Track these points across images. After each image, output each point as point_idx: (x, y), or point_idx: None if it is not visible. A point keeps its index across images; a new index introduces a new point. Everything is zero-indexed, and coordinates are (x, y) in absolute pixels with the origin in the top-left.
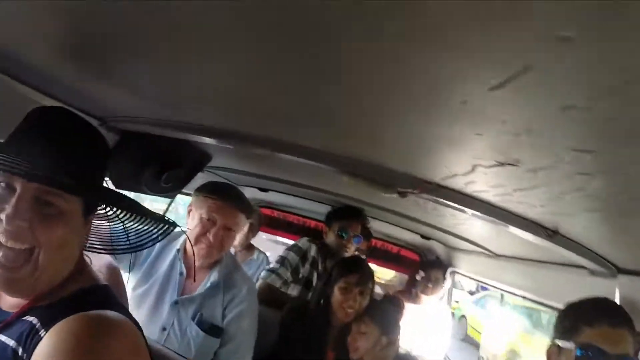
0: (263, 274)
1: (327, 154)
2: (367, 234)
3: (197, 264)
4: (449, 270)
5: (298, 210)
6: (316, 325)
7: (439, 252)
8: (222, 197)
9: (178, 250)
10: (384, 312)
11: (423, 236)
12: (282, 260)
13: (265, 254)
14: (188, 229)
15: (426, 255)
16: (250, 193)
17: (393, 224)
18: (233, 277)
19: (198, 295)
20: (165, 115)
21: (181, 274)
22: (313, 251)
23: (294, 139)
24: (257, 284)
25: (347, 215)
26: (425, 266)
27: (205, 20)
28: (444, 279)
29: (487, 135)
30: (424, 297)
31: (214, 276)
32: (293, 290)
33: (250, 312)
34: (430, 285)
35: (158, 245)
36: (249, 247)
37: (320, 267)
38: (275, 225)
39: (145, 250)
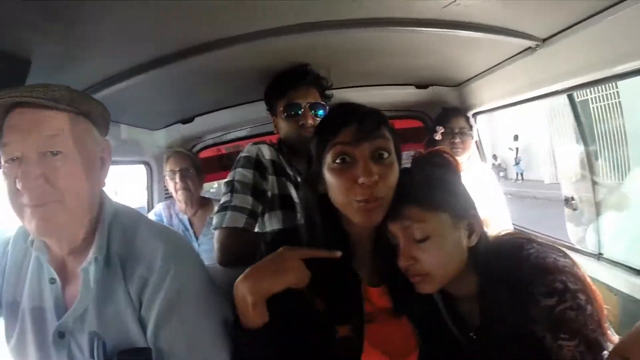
0: (214, 220)
1: None
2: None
3: (57, 249)
4: (470, 114)
5: (250, 130)
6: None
7: (448, 100)
8: (16, 90)
9: (32, 242)
10: (437, 179)
11: (419, 85)
12: (230, 186)
13: None
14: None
15: (429, 115)
16: (172, 134)
17: (369, 85)
18: (134, 243)
19: (81, 306)
20: None
21: (52, 280)
22: (267, 153)
23: None
24: (214, 240)
25: (289, 80)
26: (440, 121)
27: None
28: (470, 127)
29: None
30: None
31: (91, 257)
32: (272, 222)
33: (189, 291)
34: (457, 139)
35: (11, 258)
36: (202, 203)
37: (291, 173)
38: (229, 164)
39: None
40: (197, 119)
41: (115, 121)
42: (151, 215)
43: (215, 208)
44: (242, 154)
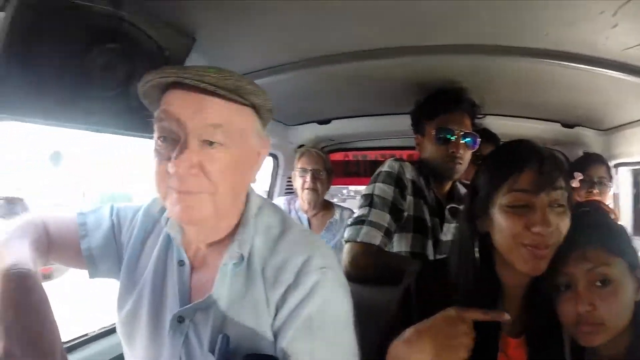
0: (347, 232)
1: None
2: (487, 135)
3: (193, 237)
4: (612, 164)
5: (382, 141)
6: (472, 296)
7: (591, 145)
8: (187, 70)
9: (166, 220)
10: (616, 224)
11: (565, 124)
12: (369, 200)
13: (351, 210)
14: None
15: (566, 157)
16: (307, 132)
17: (512, 116)
18: (279, 245)
19: (212, 298)
20: None
21: (181, 263)
22: (409, 172)
23: None
24: (344, 252)
25: (445, 102)
26: (578, 166)
27: None
28: (610, 177)
29: None
30: None
31: (232, 252)
32: (401, 243)
33: (332, 308)
34: (595, 190)
35: (139, 227)
36: (324, 206)
37: (429, 196)
38: (354, 171)
39: (121, 239)
40: (334, 122)
41: None
42: None
43: (336, 212)
44: (383, 169)
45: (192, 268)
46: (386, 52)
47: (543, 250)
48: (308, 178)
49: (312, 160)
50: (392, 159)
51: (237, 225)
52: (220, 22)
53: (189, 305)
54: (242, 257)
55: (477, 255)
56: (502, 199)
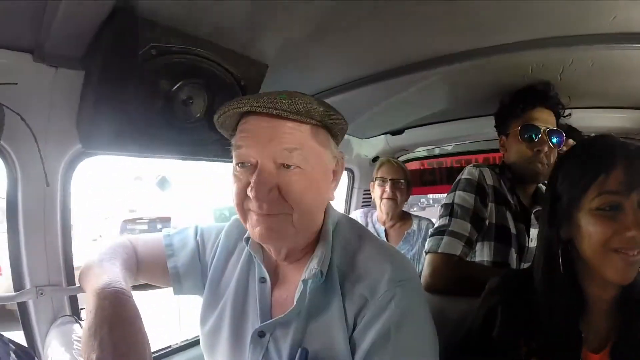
0: (428, 243)
1: None
2: (571, 132)
3: (274, 254)
4: None
5: (459, 147)
6: (554, 310)
7: None
8: (259, 99)
9: (247, 239)
10: None
11: None
12: (449, 209)
13: (430, 220)
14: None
15: None
16: (381, 144)
17: (594, 107)
18: (356, 258)
19: (293, 313)
20: None
21: (262, 280)
22: (489, 179)
23: None
24: (425, 264)
25: (530, 98)
26: None
27: None
28: None
29: None
30: None
31: (311, 268)
32: (483, 253)
33: (409, 321)
34: None
35: (222, 247)
36: (402, 217)
37: (512, 202)
38: (430, 180)
39: (205, 258)
40: (407, 132)
41: None
42: None
43: (414, 223)
44: (463, 176)
45: (273, 285)
46: (456, 57)
47: (637, 255)
48: (387, 187)
49: (392, 170)
50: (471, 165)
51: (316, 242)
52: (291, 47)
53: (270, 321)
54: (320, 273)
55: (560, 264)
56: (590, 203)
